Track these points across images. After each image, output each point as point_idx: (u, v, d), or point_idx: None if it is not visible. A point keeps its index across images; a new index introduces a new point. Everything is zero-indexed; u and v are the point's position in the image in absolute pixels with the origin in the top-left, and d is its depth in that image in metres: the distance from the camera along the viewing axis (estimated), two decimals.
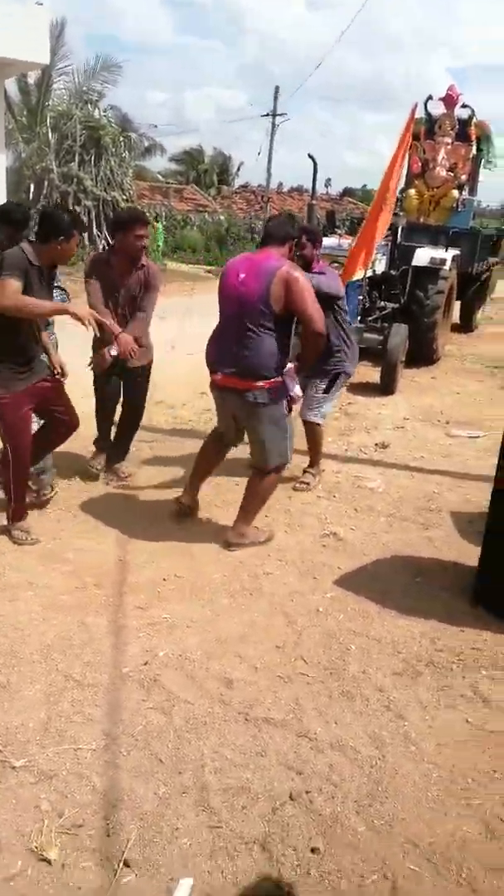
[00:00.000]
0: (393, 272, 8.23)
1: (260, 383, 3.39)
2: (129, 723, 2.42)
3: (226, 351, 3.46)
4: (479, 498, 4.09)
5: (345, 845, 2.02)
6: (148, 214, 20.31)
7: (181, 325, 8.21)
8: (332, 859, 1.97)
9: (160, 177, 33.86)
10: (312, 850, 1.99)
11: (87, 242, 16.28)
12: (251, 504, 3.69)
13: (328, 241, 9.13)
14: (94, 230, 16.50)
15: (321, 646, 2.93)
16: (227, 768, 2.26)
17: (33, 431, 3.68)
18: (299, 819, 2.09)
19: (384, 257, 8.27)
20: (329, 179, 29.55)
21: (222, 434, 3.84)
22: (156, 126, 27.88)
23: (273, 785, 2.21)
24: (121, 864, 1.91)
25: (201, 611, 3.12)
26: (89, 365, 4.25)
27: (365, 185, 36.65)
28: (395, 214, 8.24)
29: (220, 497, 4.25)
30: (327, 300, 3.96)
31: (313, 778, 2.25)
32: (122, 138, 17.63)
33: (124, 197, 17.13)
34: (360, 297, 7.21)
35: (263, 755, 2.33)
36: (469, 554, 3.63)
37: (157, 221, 22.19)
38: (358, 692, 2.66)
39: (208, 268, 19.22)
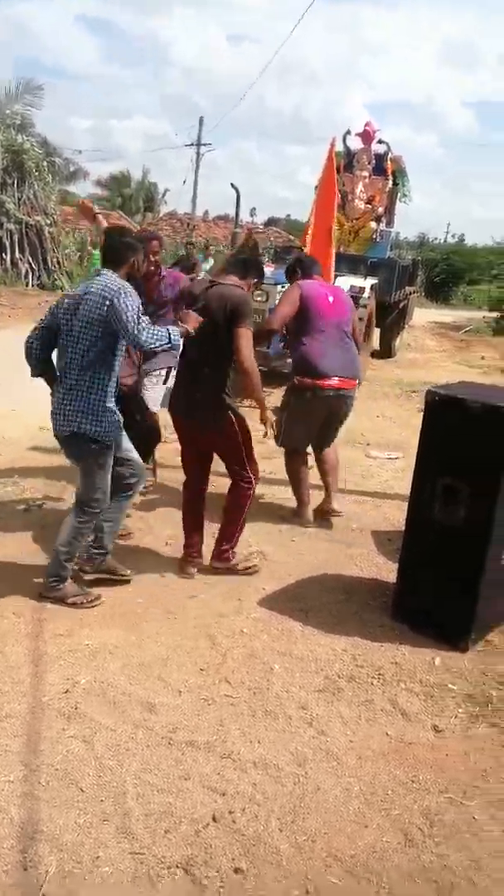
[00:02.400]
0: None
1: (355, 382, 4.32)
2: (49, 753, 2.36)
3: (339, 358, 4.21)
4: (397, 516, 4.23)
5: (268, 864, 2.03)
6: (76, 239, 20.16)
7: None
8: (256, 878, 1.98)
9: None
10: (236, 871, 1.99)
11: (9, 266, 16.02)
12: (336, 474, 4.55)
13: None
14: (17, 254, 16.25)
15: (245, 666, 2.94)
16: (149, 794, 2.24)
17: None
18: (222, 840, 2.09)
19: None
20: (254, 209, 30.15)
21: (303, 444, 4.48)
22: (80, 151, 27.77)
23: (196, 807, 2.20)
24: None
25: (124, 636, 3.08)
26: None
27: (289, 215, 37.55)
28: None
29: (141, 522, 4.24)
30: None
31: (236, 798, 2.25)
32: (45, 162, 17.51)
33: (48, 221, 16.97)
34: None
35: (187, 778, 2.31)
36: (388, 571, 3.74)
37: (95, 248, 22.07)
38: (281, 711, 2.68)
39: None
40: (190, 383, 3.51)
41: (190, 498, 3.78)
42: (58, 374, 3.25)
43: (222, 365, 3.46)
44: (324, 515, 4.45)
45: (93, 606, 3.29)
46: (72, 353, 3.14)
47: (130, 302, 3.05)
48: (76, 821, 2.10)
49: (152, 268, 4.22)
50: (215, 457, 3.73)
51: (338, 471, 4.58)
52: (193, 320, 3.29)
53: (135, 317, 3.03)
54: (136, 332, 3.02)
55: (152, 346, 3.11)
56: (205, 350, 3.41)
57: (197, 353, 3.44)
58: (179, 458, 3.81)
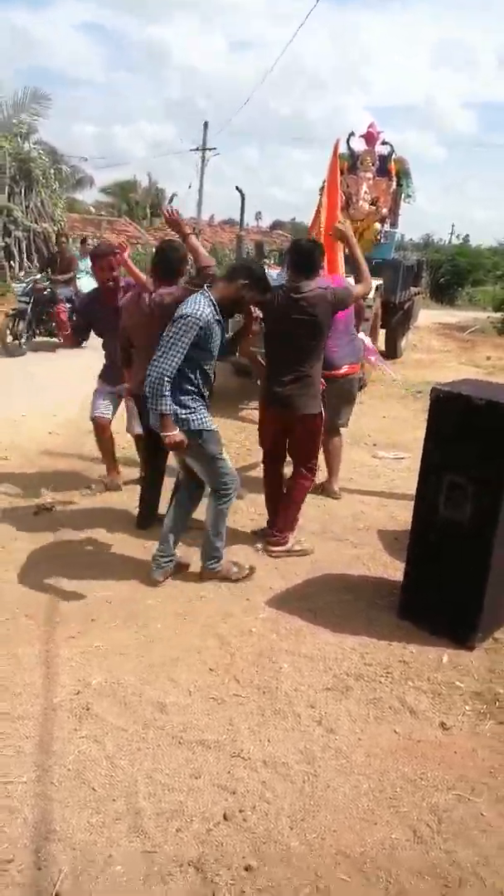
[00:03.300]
0: None
1: (359, 365, 5.14)
2: (61, 753, 2.39)
3: (346, 348, 4.75)
4: (404, 516, 4.23)
5: (278, 861, 2.05)
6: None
7: None
8: (266, 876, 2.00)
9: (92, 209, 33.86)
10: (246, 868, 2.01)
11: (17, 273, 16.13)
12: (339, 460, 5.05)
13: None
14: (25, 261, 16.35)
15: (254, 666, 2.96)
16: (160, 792, 2.26)
17: None
18: (233, 838, 2.11)
19: None
20: (259, 213, 30.14)
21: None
22: (86, 159, 27.94)
23: (207, 806, 2.22)
24: None
25: (134, 637, 3.11)
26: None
27: (294, 218, 37.57)
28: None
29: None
30: None
31: (247, 797, 2.27)
32: (52, 170, 17.63)
33: (55, 228, 17.06)
34: None
35: (197, 777, 2.34)
36: (395, 569, 3.76)
37: None
38: (290, 709, 2.70)
39: None
40: (288, 380, 3.80)
41: (271, 472, 4.22)
42: None
43: (316, 364, 3.84)
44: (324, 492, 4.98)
45: (247, 578, 3.68)
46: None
47: (174, 327, 3.22)
48: (88, 820, 2.13)
49: (110, 283, 4.42)
50: None
51: (340, 457, 5.07)
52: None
53: (167, 340, 3.20)
54: (159, 354, 3.20)
55: (150, 377, 3.19)
56: (301, 351, 3.77)
57: (292, 353, 3.77)
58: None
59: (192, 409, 3.32)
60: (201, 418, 3.35)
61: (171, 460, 4.07)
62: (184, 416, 3.29)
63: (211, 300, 3.29)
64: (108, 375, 4.69)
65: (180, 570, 3.72)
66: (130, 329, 4.00)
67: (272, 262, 10.55)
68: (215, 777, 2.34)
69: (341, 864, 2.05)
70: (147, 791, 2.26)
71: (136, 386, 4.00)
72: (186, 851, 2.05)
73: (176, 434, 3.26)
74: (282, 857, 2.06)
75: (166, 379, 3.16)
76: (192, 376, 3.31)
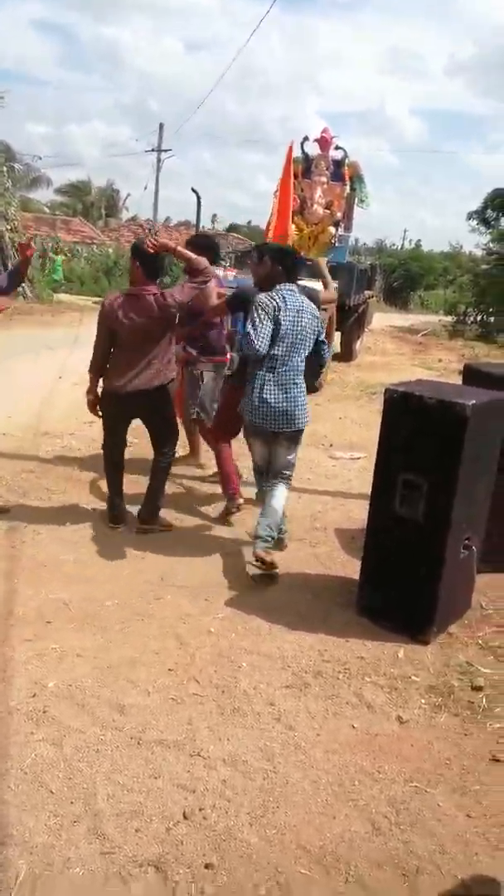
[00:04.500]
0: None
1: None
2: (18, 757, 2.35)
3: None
4: (361, 515, 4.29)
5: (238, 858, 2.05)
6: (37, 245, 20.11)
7: (69, 356, 8.13)
8: (227, 873, 2.00)
9: (46, 209, 33.40)
10: (207, 866, 2.01)
11: None
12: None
13: None
14: None
15: (213, 665, 2.96)
16: (119, 793, 2.24)
17: None
18: (193, 836, 2.11)
19: None
20: (215, 215, 30.31)
21: None
22: (40, 157, 27.55)
23: (167, 805, 2.21)
24: None
25: (92, 639, 3.08)
26: None
27: (250, 222, 37.75)
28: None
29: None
30: None
31: (207, 795, 2.27)
32: (4, 168, 17.32)
33: (9, 227, 16.77)
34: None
35: (157, 777, 2.33)
36: (353, 568, 3.80)
37: (57, 254, 21.90)
38: (249, 708, 2.71)
39: (96, 299, 19.08)
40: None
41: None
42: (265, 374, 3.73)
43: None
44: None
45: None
46: (295, 357, 3.75)
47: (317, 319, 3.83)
48: (46, 823, 2.10)
49: None
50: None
51: None
52: None
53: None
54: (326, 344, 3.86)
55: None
56: None
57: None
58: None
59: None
60: None
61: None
62: (308, 412, 3.83)
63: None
64: None
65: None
66: (124, 331, 3.92)
67: (228, 264, 10.57)
68: (175, 777, 2.33)
69: (301, 859, 2.06)
70: (106, 792, 2.24)
71: (128, 384, 3.97)
72: (146, 851, 2.04)
73: None
74: (242, 853, 2.07)
75: None
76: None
